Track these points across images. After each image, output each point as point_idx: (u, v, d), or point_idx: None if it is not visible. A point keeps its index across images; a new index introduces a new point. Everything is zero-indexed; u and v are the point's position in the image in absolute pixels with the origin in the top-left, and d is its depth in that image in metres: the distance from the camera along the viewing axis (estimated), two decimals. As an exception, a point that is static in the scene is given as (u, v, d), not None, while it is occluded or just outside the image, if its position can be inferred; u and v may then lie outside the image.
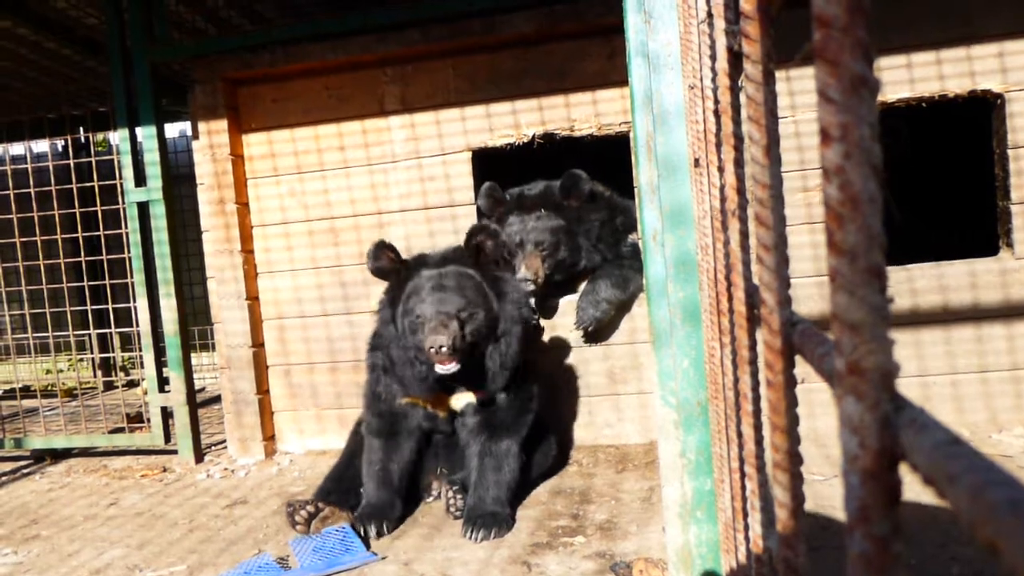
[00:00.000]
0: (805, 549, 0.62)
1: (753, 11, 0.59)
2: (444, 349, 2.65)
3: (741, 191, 0.80)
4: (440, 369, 2.72)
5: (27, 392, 5.62)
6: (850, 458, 0.36)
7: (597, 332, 3.62)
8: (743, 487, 0.98)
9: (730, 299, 0.97)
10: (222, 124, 3.87)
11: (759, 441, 0.83)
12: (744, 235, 0.81)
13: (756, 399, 0.83)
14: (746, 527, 1.00)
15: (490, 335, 2.87)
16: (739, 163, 0.81)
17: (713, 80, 0.95)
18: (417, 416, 3.05)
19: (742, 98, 0.87)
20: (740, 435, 0.96)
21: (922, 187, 4.48)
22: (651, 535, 2.59)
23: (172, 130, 6.76)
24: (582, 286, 3.62)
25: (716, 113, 0.95)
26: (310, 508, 2.84)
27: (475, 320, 2.80)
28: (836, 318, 0.36)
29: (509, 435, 2.97)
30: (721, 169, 0.96)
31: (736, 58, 0.83)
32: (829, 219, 0.35)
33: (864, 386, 0.35)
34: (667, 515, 1.80)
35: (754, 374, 0.83)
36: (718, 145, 0.97)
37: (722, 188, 0.95)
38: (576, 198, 3.55)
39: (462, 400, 3.01)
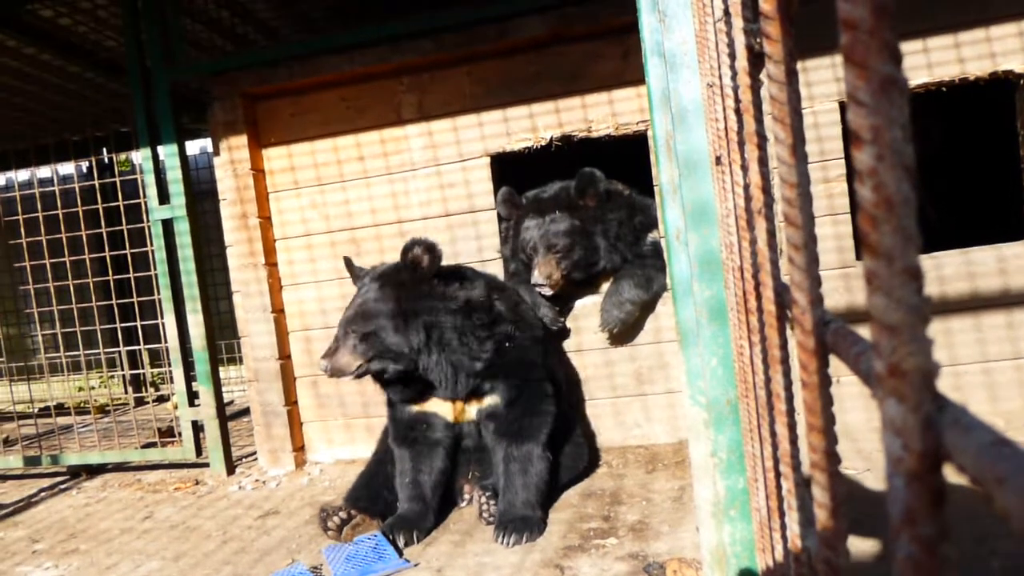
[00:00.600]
0: (846, 549, 0.62)
1: (773, 11, 0.59)
2: (339, 370, 2.79)
3: (767, 189, 0.79)
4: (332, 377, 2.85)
5: (61, 410, 5.71)
6: (894, 460, 0.36)
7: (622, 333, 3.61)
8: (778, 486, 0.97)
9: (758, 298, 0.97)
10: (242, 139, 3.91)
11: (794, 440, 0.83)
12: (771, 234, 0.80)
13: (789, 398, 0.82)
14: (783, 526, 0.99)
15: (394, 355, 2.79)
16: (763, 161, 0.81)
17: (733, 79, 0.94)
18: (435, 423, 3.05)
19: (763, 95, 0.87)
20: (774, 434, 0.96)
21: (945, 173, 4.42)
22: (683, 535, 2.58)
23: (193, 147, 6.86)
24: (605, 287, 3.61)
25: (737, 111, 0.95)
26: (342, 514, 2.86)
27: (376, 341, 2.78)
28: (874, 320, 0.36)
29: (530, 438, 2.94)
30: (745, 168, 0.95)
31: (756, 56, 0.83)
32: (863, 221, 0.35)
33: (905, 388, 0.35)
34: (700, 515, 1.79)
35: (786, 373, 0.83)
36: (740, 143, 0.97)
37: (747, 187, 0.94)
38: (592, 197, 3.50)
39: (471, 408, 3.04)
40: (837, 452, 0.61)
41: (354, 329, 2.79)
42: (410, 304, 2.78)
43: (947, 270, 3.28)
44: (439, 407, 3.04)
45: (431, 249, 2.78)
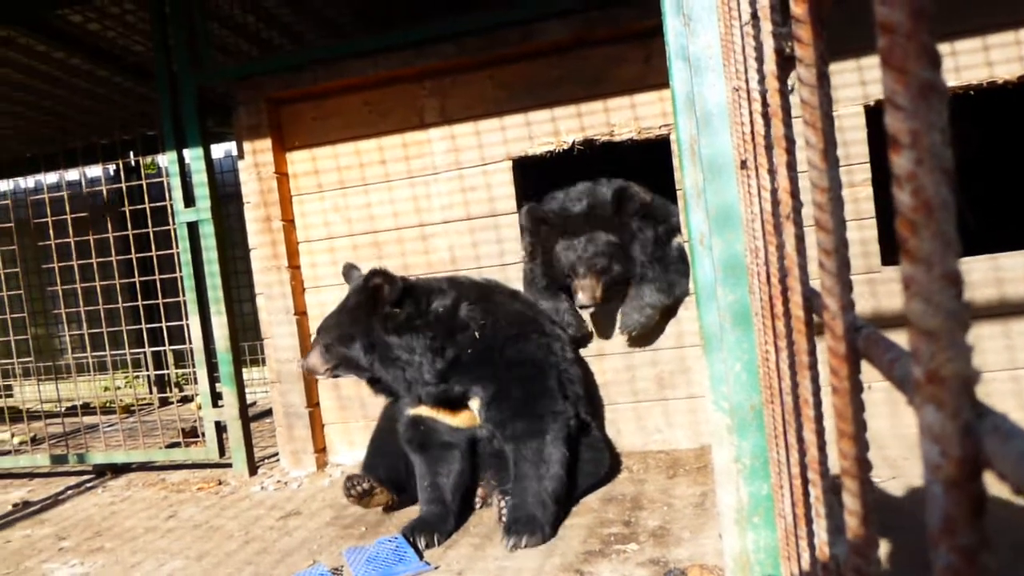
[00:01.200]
0: (877, 557, 0.61)
1: (804, 14, 0.59)
2: (311, 370, 3.14)
3: (795, 194, 0.79)
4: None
5: (87, 409, 5.79)
6: (932, 468, 0.35)
7: (642, 337, 3.60)
8: (806, 493, 0.96)
9: (785, 302, 0.96)
10: (266, 143, 3.95)
11: (822, 446, 0.82)
12: (799, 239, 0.80)
13: (817, 404, 0.81)
14: (810, 534, 0.98)
15: (355, 366, 3.07)
16: (791, 166, 0.80)
17: (760, 82, 0.94)
18: (436, 427, 3.09)
19: (791, 99, 0.86)
20: (801, 440, 0.95)
21: (984, 177, 4.36)
22: (705, 541, 2.56)
23: (218, 151, 6.92)
24: (631, 291, 3.59)
25: (765, 115, 0.94)
26: (365, 485, 3.07)
27: (336, 352, 3.06)
28: (912, 325, 0.35)
29: (537, 433, 2.93)
30: (772, 172, 0.95)
31: (784, 59, 0.82)
32: (902, 226, 0.35)
33: (944, 394, 0.34)
34: (723, 521, 1.78)
35: (814, 378, 0.82)
36: (768, 148, 0.96)
37: (774, 191, 0.94)
38: (627, 213, 3.46)
39: (475, 413, 3.07)
40: (868, 458, 0.60)
41: (322, 337, 3.10)
42: (365, 326, 3.00)
43: (975, 275, 3.23)
44: (433, 412, 3.10)
45: (391, 281, 2.97)
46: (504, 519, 2.84)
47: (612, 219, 3.47)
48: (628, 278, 3.54)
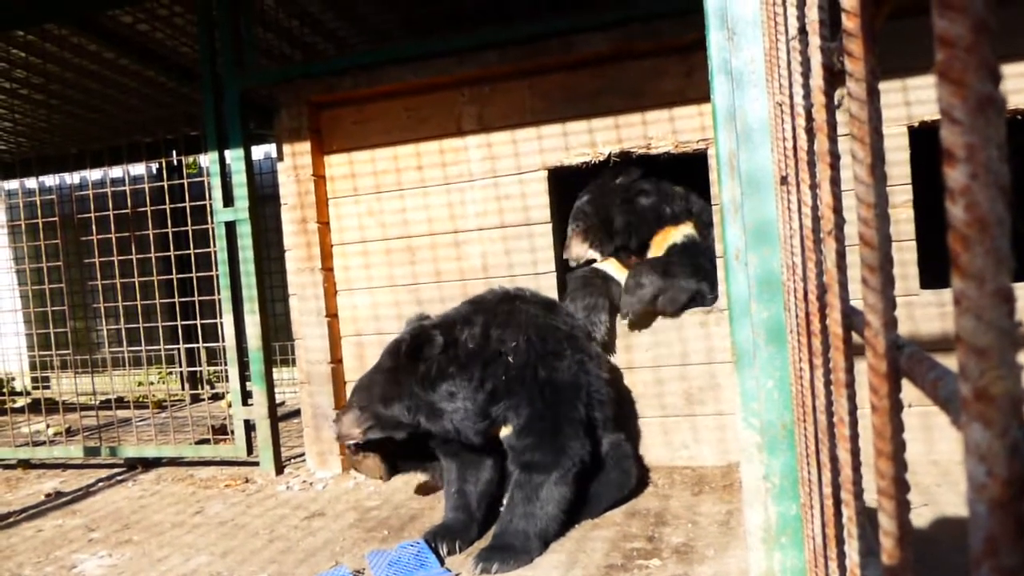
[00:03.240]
0: (912, 580, 0.60)
1: (856, 29, 0.58)
2: (344, 436, 3.08)
3: (838, 210, 0.78)
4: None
5: (121, 403, 5.89)
6: (977, 487, 0.35)
7: (642, 322, 3.67)
8: (837, 513, 0.95)
9: (823, 319, 0.95)
10: (305, 146, 4.00)
11: (856, 467, 0.81)
12: (841, 255, 0.79)
13: (853, 423, 0.80)
14: (840, 555, 0.96)
15: (393, 425, 3.00)
16: (835, 182, 0.80)
17: (806, 97, 0.93)
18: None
19: (837, 115, 0.85)
20: (835, 459, 0.94)
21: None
22: (729, 560, 2.53)
23: (258, 152, 7.03)
24: (629, 279, 3.69)
25: (809, 131, 0.94)
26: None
27: (372, 413, 2.99)
28: (962, 342, 0.35)
29: (543, 469, 2.83)
30: (814, 188, 0.94)
31: (832, 75, 0.82)
32: (954, 241, 0.34)
33: (992, 413, 0.34)
34: (750, 540, 1.76)
35: (851, 397, 0.81)
36: (810, 163, 0.95)
37: (815, 207, 0.93)
38: (627, 175, 3.74)
39: (504, 435, 3.02)
40: (906, 480, 0.59)
41: (357, 400, 3.02)
42: (405, 387, 2.92)
43: (1020, 302, 3.16)
44: None
45: (419, 344, 2.90)
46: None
47: (609, 184, 3.80)
48: (611, 236, 3.80)
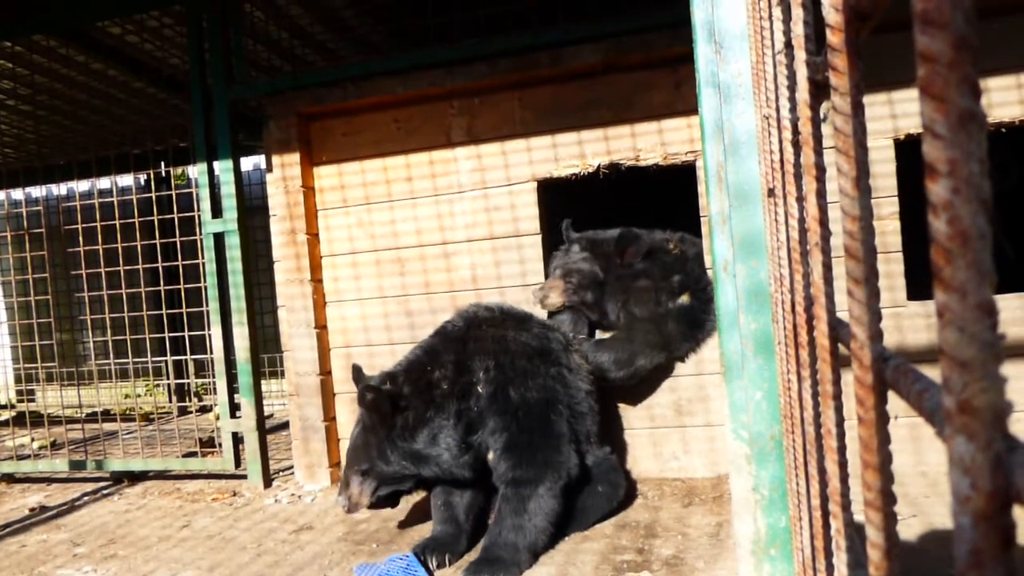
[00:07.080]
0: (899, 592, 0.60)
1: (841, 43, 0.59)
2: (355, 506, 2.98)
3: (824, 223, 0.79)
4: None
5: (107, 416, 5.84)
6: (961, 499, 0.35)
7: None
8: (826, 525, 0.95)
9: (810, 331, 0.95)
10: (294, 157, 4.00)
11: (844, 478, 0.81)
12: (827, 267, 0.79)
13: (841, 435, 0.81)
14: (829, 567, 0.96)
15: (397, 478, 2.96)
16: (821, 194, 0.80)
17: (792, 111, 0.94)
18: None
19: (823, 128, 0.86)
20: (823, 471, 0.94)
21: (1015, 210, 4.32)
22: (719, 572, 2.52)
23: (246, 163, 7.02)
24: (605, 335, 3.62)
25: (795, 143, 0.94)
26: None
27: (374, 474, 2.94)
28: (945, 355, 0.35)
29: (529, 482, 2.83)
30: (800, 200, 0.95)
31: (817, 89, 0.82)
32: (937, 255, 0.35)
33: (976, 425, 0.34)
34: (739, 552, 1.76)
35: (838, 409, 0.81)
36: (797, 176, 0.96)
37: (802, 220, 0.93)
38: (631, 255, 3.53)
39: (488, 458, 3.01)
40: (893, 491, 0.60)
41: (355, 467, 2.96)
42: (384, 441, 2.90)
43: (1005, 314, 3.18)
44: None
45: (381, 397, 2.86)
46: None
47: (611, 258, 3.58)
48: (601, 315, 3.63)
